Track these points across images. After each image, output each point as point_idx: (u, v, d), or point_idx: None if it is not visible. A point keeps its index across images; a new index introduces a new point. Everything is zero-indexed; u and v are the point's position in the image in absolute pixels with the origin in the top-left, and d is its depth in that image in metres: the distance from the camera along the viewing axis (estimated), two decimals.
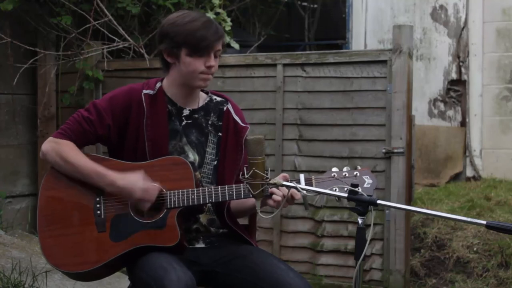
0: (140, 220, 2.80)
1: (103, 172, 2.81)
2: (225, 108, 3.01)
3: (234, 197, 2.79)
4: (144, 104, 2.89)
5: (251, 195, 2.66)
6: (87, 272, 2.84)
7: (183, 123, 2.95)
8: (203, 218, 2.94)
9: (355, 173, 2.72)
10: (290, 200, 2.73)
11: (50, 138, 2.90)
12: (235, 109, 3.02)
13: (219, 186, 2.81)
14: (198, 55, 2.85)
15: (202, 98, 3.02)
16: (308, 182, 2.69)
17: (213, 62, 2.87)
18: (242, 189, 2.76)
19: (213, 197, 2.78)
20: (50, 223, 2.86)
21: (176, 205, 2.78)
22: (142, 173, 2.80)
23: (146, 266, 2.71)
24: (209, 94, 3.04)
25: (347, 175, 2.72)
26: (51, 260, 2.86)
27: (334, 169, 2.75)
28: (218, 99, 3.04)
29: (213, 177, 2.95)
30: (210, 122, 2.98)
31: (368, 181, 2.70)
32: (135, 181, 2.78)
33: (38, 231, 2.89)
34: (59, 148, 2.85)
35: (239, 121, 3.00)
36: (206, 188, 2.81)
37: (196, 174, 2.89)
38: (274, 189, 2.72)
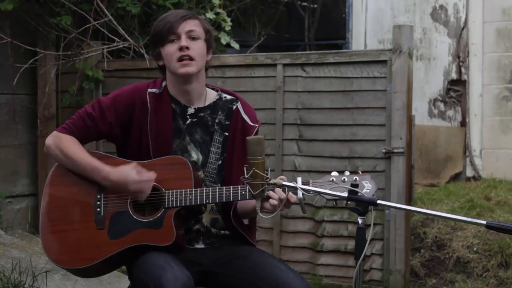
0: (138, 219, 2.80)
1: (98, 166, 2.83)
2: (234, 107, 2.99)
3: (231, 198, 2.77)
4: (149, 102, 2.89)
5: (247, 195, 2.66)
6: (85, 268, 2.85)
7: (188, 121, 2.94)
8: (206, 218, 2.94)
9: (354, 177, 2.67)
10: (286, 203, 2.71)
11: (54, 133, 2.94)
12: (245, 107, 3.00)
13: (217, 187, 2.81)
14: (169, 41, 2.86)
15: (211, 96, 3.00)
16: (305, 185, 2.65)
17: (184, 42, 2.84)
18: (239, 190, 2.75)
19: (210, 198, 2.78)
20: (52, 219, 2.88)
21: (174, 204, 2.78)
22: (135, 164, 2.80)
23: (144, 266, 2.71)
24: (219, 92, 3.02)
25: (346, 179, 2.68)
26: (50, 255, 2.87)
27: (334, 173, 2.71)
28: (228, 97, 3.02)
29: (218, 177, 2.94)
30: (217, 121, 2.96)
31: (367, 186, 2.67)
32: (127, 174, 2.78)
33: (40, 226, 2.91)
34: (60, 142, 2.89)
35: (248, 120, 2.97)
36: (204, 188, 2.80)
37: (199, 174, 2.89)
38: (270, 193, 2.70)
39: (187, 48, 2.85)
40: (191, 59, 2.86)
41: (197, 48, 2.88)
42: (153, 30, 2.93)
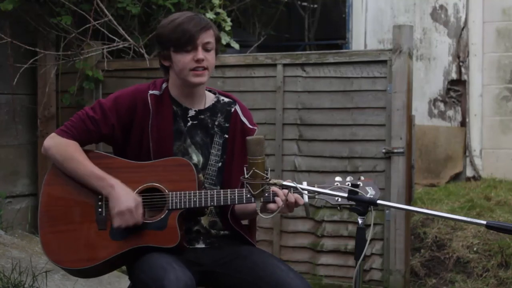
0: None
1: (102, 176, 2.81)
2: (232, 110, 3.00)
3: (236, 202, 2.78)
4: (150, 104, 2.89)
5: (250, 195, 2.65)
6: (86, 269, 2.84)
7: (188, 124, 2.94)
8: (204, 221, 2.94)
9: (358, 183, 2.69)
10: (291, 206, 2.72)
11: (53, 134, 2.90)
12: (243, 110, 3.01)
13: (221, 190, 2.81)
14: (184, 50, 2.84)
15: (210, 99, 3.01)
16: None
17: (201, 55, 2.84)
18: (244, 193, 2.75)
19: (215, 201, 2.78)
20: (52, 219, 2.86)
21: (178, 206, 2.78)
22: (139, 200, 2.79)
23: (145, 267, 2.71)
24: (217, 95, 3.03)
25: (349, 185, 2.68)
26: (51, 256, 2.86)
27: (337, 178, 2.72)
28: (226, 100, 3.02)
29: (217, 179, 2.94)
30: (216, 123, 2.97)
31: (371, 192, 2.68)
32: (130, 196, 2.77)
33: (39, 226, 2.89)
34: (60, 146, 2.86)
35: (246, 122, 2.98)
36: (208, 191, 2.80)
37: (200, 176, 2.89)
38: (277, 191, 2.71)
39: (203, 60, 2.85)
40: (204, 69, 2.87)
41: (211, 59, 2.89)
42: (168, 33, 2.86)
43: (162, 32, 2.89)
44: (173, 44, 2.85)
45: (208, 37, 2.87)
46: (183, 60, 2.85)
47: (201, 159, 2.93)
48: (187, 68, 2.85)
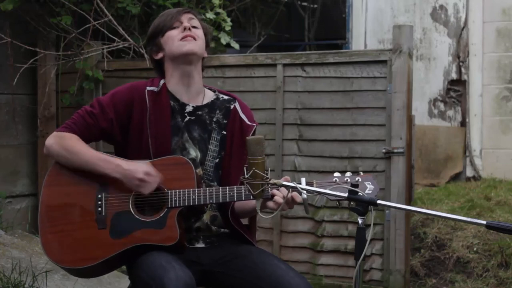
0: (140, 219, 2.80)
1: (107, 158, 2.84)
2: (232, 107, 3.01)
3: (235, 198, 2.78)
4: (147, 100, 2.90)
5: (251, 195, 2.66)
6: (86, 268, 2.84)
7: (186, 119, 2.95)
8: (206, 216, 2.94)
9: (357, 178, 2.68)
10: (290, 203, 2.72)
11: (54, 133, 2.92)
12: (242, 107, 3.02)
13: (220, 187, 2.82)
14: (171, 28, 2.94)
15: (208, 96, 3.02)
16: (309, 185, 2.67)
17: (187, 23, 2.93)
18: (242, 190, 2.76)
19: (214, 198, 2.78)
20: (51, 219, 2.87)
21: (177, 204, 2.78)
22: (148, 162, 2.82)
23: (145, 266, 2.71)
24: (216, 93, 3.05)
25: (348, 180, 2.69)
26: (51, 255, 2.86)
27: (336, 174, 2.71)
28: (225, 97, 3.04)
29: (215, 175, 2.94)
30: (214, 119, 2.98)
31: (370, 187, 2.68)
32: (138, 164, 2.80)
33: (39, 226, 2.89)
34: (63, 140, 2.87)
35: (245, 119, 2.99)
36: (207, 188, 2.81)
37: (198, 171, 2.90)
38: (275, 191, 2.71)
39: (190, 29, 2.92)
40: (194, 39, 2.92)
41: (199, 33, 2.96)
42: (154, 24, 2.99)
43: (152, 26, 3.01)
44: (161, 30, 2.95)
45: (190, 15, 2.98)
46: (172, 34, 2.93)
47: (199, 154, 2.94)
48: (176, 40, 2.92)
